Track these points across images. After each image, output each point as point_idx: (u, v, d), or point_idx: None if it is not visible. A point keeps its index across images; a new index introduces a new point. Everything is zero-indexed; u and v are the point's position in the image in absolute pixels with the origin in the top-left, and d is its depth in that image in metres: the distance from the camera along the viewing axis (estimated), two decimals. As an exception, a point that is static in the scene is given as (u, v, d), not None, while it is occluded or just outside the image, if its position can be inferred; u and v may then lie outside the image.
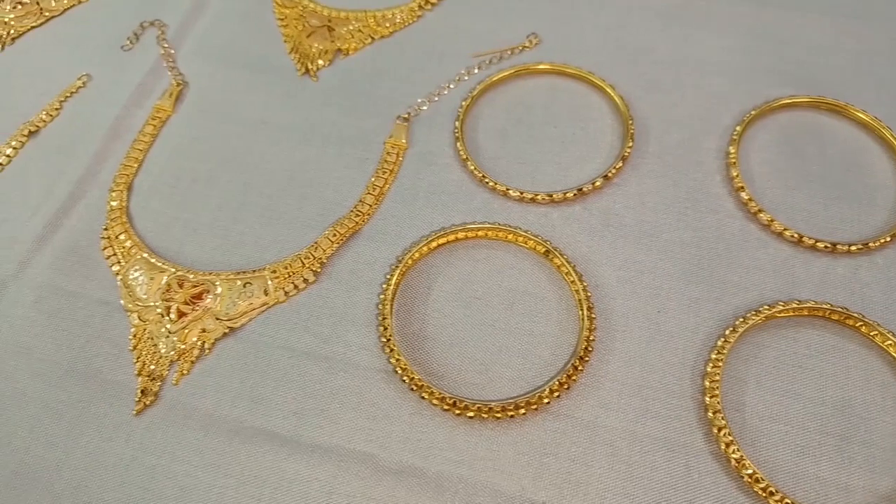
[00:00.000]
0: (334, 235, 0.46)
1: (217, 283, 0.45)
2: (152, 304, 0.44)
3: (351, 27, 0.57)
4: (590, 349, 0.41)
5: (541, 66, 0.54)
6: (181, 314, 0.44)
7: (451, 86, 0.54)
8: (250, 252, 0.47)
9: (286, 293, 0.45)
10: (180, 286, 0.45)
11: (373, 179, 0.49)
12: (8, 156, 0.51)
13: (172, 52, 0.56)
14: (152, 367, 0.42)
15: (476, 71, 0.55)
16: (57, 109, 0.54)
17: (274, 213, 0.49)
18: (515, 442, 0.39)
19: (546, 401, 0.40)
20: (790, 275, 0.44)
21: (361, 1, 0.59)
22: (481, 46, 0.56)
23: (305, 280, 0.45)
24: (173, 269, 0.46)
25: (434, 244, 0.45)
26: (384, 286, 0.44)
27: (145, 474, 0.39)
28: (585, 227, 0.47)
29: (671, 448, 0.39)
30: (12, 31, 0.58)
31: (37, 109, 0.54)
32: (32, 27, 0.59)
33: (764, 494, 0.37)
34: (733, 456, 0.37)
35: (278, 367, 0.42)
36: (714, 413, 0.39)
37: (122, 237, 0.47)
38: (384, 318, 0.42)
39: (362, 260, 0.46)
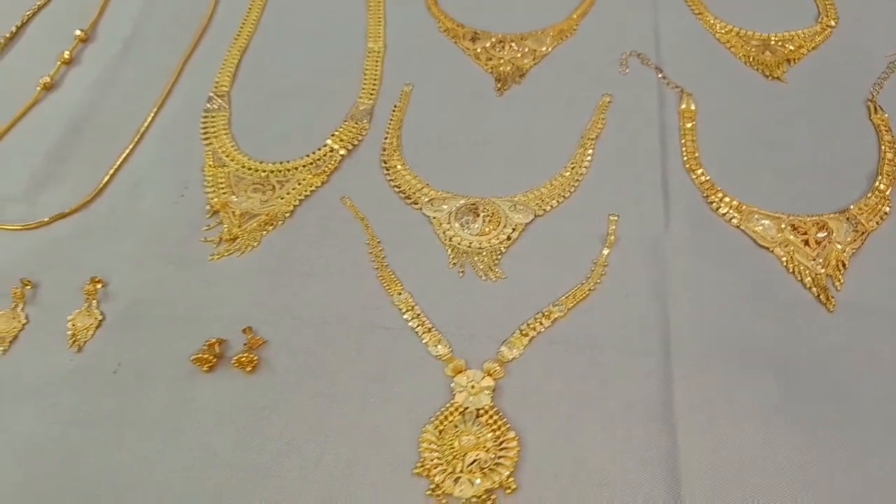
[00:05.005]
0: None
1: None
2: None
3: None
4: None
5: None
6: None
7: None
8: None
9: None
10: None
11: None
12: (586, 166, 0.65)
13: (662, 71, 0.72)
14: None
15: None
16: (603, 121, 0.68)
17: None
18: None
19: None
20: None
21: None
22: None
23: None
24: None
25: None
26: None
27: None
28: None
29: None
30: (515, 71, 0.73)
31: (576, 123, 0.68)
32: (531, 66, 0.74)
33: None
34: None
35: None
36: None
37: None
38: None
39: None
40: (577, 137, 0.68)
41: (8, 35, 0.78)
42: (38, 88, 0.73)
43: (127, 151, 0.67)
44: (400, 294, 0.57)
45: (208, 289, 0.58)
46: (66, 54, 0.75)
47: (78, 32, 0.78)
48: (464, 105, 0.72)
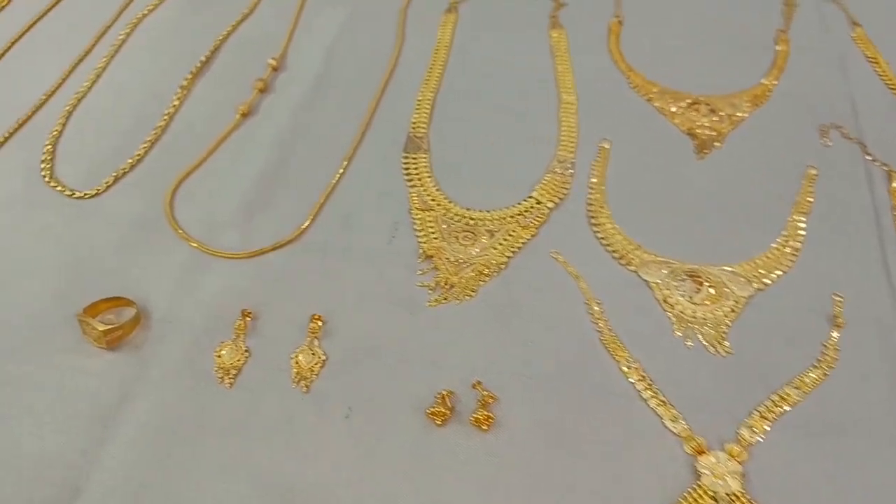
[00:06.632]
0: None
1: None
2: None
3: None
4: None
5: None
6: None
7: None
8: None
9: None
10: None
11: None
12: (800, 241, 0.63)
13: (865, 146, 0.71)
14: None
15: None
16: (811, 194, 0.67)
17: None
18: None
19: None
20: None
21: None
22: None
23: None
24: None
25: None
26: None
27: None
28: None
29: None
30: (715, 135, 0.73)
31: (780, 192, 0.67)
32: (730, 131, 0.73)
33: None
34: None
35: None
36: None
37: None
38: None
39: None
40: (781, 206, 0.68)
41: (203, 59, 0.81)
42: (237, 115, 0.75)
43: (332, 185, 0.68)
44: (629, 362, 0.56)
45: (428, 334, 0.58)
46: (261, 83, 0.77)
47: (271, 61, 0.80)
48: (664, 165, 0.71)
